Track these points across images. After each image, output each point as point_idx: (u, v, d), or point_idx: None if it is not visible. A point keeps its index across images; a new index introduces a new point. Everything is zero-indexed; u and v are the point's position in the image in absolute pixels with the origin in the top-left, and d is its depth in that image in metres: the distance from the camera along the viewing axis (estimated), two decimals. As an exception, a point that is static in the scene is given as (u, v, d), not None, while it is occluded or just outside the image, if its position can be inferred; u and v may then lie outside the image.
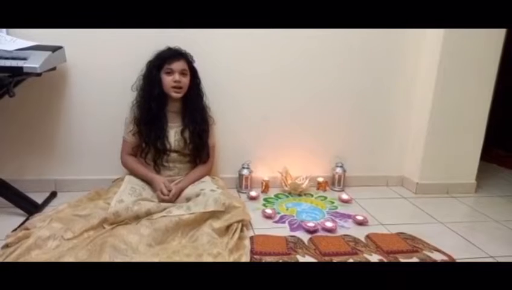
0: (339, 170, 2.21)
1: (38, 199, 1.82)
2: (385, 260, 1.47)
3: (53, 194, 1.94)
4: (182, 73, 1.76)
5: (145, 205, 1.56)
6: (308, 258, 1.46)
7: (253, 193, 2.03)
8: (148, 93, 1.77)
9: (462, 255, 1.54)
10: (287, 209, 1.91)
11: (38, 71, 1.46)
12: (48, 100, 1.91)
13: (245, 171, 2.10)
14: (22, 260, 1.29)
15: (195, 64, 1.85)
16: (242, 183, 2.11)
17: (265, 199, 2.04)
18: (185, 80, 1.78)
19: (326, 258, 1.46)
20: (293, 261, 1.43)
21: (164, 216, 1.51)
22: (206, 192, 1.64)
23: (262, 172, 2.18)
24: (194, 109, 1.84)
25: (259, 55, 2.04)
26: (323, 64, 2.12)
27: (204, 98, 1.89)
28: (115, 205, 1.53)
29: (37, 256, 1.32)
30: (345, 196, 2.06)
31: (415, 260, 1.49)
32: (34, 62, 1.47)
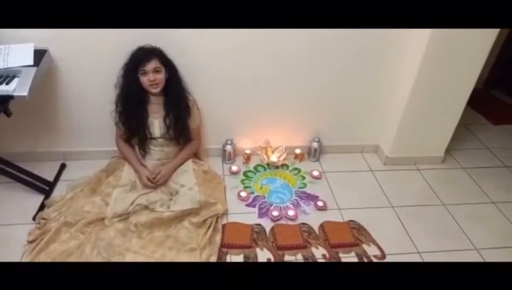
0: (315, 144, 2.41)
1: (50, 169, 2.20)
2: (327, 255, 1.83)
3: (63, 166, 2.28)
4: (156, 71, 1.87)
5: (139, 204, 1.89)
6: (265, 251, 1.84)
7: (234, 168, 2.31)
8: (128, 92, 1.93)
9: (393, 250, 1.87)
10: (261, 188, 2.22)
11: (28, 99, 1.63)
12: (49, 89, 2.07)
13: (228, 147, 2.34)
14: (43, 253, 1.71)
15: (172, 52, 1.93)
16: (225, 156, 2.37)
17: (245, 174, 2.33)
18: (160, 76, 1.89)
19: (280, 252, 1.83)
20: (252, 254, 1.81)
21: (150, 211, 1.86)
22: (185, 191, 1.94)
23: (245, 144, 2.42)
24: (175, 97, 1.99)
25: (240, 33, 2.01)
26: (305, 41, 2.10)
27: (183, 84, 2.02)
28: (113, 207, 1.88)
29: (54, 248, 1.74)
30: (315, 173, 2.32)
31: (352, 254, 1.85)
32: (22, 90, 1.62)
